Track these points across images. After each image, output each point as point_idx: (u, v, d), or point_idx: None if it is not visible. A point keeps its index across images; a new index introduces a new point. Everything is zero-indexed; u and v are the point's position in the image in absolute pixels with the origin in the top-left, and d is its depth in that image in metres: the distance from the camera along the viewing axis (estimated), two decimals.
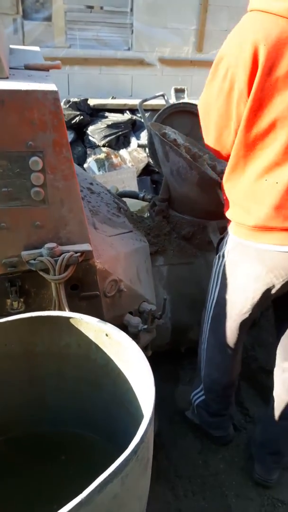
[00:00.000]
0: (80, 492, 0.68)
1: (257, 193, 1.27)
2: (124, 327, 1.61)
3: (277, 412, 1.59)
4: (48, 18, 4.68)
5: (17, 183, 1.18)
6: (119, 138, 4.23)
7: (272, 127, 1.19)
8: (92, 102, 4.38)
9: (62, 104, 2.01)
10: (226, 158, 1.38)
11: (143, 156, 4.13)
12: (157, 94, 2.63)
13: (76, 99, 4.25)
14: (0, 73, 1.17)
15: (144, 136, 4.19)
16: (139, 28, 4.88)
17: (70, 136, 4.09)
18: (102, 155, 3.99)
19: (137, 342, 1.05)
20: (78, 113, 4.17)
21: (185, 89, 3.82)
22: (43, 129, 1.14)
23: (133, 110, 4.41)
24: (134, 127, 4.38)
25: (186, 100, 3.51)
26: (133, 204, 2.67)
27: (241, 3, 5.50)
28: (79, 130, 4.26)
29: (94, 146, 4.15)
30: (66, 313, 1.14)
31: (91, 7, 4.80)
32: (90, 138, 4.18)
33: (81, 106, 4.26)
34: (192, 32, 4.97)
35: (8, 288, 1.29)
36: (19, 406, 1.22)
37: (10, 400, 1.19)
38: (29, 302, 1.35)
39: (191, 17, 4.91)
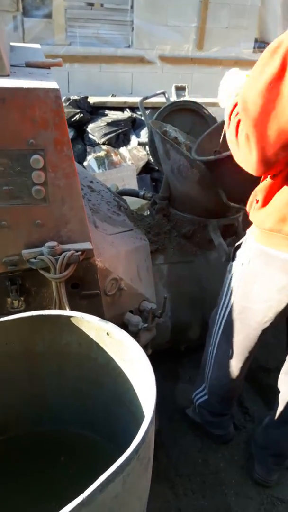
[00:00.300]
0: (80, 491, 0.68)
1: None
2: (124, 325, 1.61)
3: (282, 416, 1.59)
4: (48, 15, 4.66)
5: (18, 181, 1.17)
6: (119, 136, 4.22)
7: None
8: (92, 99, 4.37)
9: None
10: (271, 160, 1.11)
11: (143, 154, 4.12)
12: (157, 92, 2.62)
13: (76, 97, 4.24)
14: (1, 70, 1.17)
15: (144, 134, 4.18)
16: (139, 25, 4.86)
17: (70, 134, 4.07)
18: (102, 153, 3.98)
19: (138, 341, 1.05)
20: (78, 111, 4.16)
21: (186, 87, 3.81)
22: (45, 127, 1.13)
23: (133, 108, 4.40)
24: (134, 125, 4.37)
25: (187, 98, 3.49)
26: (133, 202, 2.67)
27: (242, 1, 5.48)
28: (79, 128, 4.25)
29: (94, 144, 4.14)
30: (67, 312, 1.14)
31: (91, 4, 4.79)
32: (90, 136, 4.18)
33: (81, 103, 4.25)
34: (193, 30, 4.96)
35: (9, 286, 1.29)
36: (19, 405, 1.22)
37: (10, 399, 1.19)
38: (30, 301, 1.35)
39: (191, 14, 4.89)
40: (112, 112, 4.36)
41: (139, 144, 3.98)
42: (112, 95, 4.65)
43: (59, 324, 1.12)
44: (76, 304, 1.36)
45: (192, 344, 2.13)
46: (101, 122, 4.19)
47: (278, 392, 1.60)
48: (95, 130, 4.16)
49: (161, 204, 2.11)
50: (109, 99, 4.52)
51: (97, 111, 4.37)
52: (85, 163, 3.99)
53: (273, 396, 1.64)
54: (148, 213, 2.28)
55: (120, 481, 0.73)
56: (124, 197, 2.30)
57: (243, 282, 1.41)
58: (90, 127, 4.20)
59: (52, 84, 1.13)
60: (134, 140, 4.22)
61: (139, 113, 4.31)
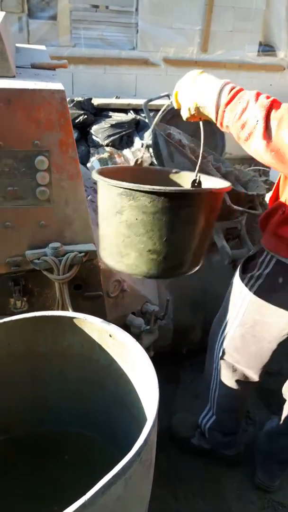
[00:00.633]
0: (82, 493, 0.67)
1: None
2: (126, 327, 1.61)
3: None
4: (53, 17, 4.67)
5: (23, 182, 1.18)
6: (123, 138, 4.22)
7: None
8: (96, 101, 4.38)
9: None
10: None
11: (146, 156, 4.12)
12: (162, 94, 2.62)
13: (80, 98, 4.25)
14: (7, 71, 1.17)
15: (147, 136, 4.19)
16: (144, 28, 4.87)
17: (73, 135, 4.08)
18: (106, 155, 3.99)
19: (140, 343, 1.04)
20: (82, 112, 4.17)
21: None
22: (50, 128, 1.14)
23: (137, 110, 4.40)
24: (137, 127, 4.37)
25: None
26: None
27: (246, 4, 5.46)
28: (83, 130, 4.26)
29: (97, 146, 4.15)
30: (70, 313, 1.14)
31: (96, 7, 4.79)
32: (94, 137, 4.18)
33: (85, 105, 4.26)
34: (197, 33, 4.96)
35: (12, 287, 1.29)
36: (21, 406, 1.22)
37: (12, 400, 1.19)
38: (32, 302, 1.35)
39: (196, 17, 4.89)
40: (116, 114, 4.36)
41: (146, 146, 3.98)
42: (116, 97, 4.66)
43: (61, 325, 1.12)
44: (79, 305, 1.36)
45: (194, 346, 2.13)
46: (105, 124, 4.20)
47: (284, 401, 1.56)
48: (99, 131, 4.17)
49: None
50: (113, 101, 4.53)
51: (101, 112, 4.38)
52: (88, 165, 3.99)
53: (274, 399, 1.64)
54: None
55: (122, 484, 0.73)
56: None
57: (257, 296, 1.35)
58: (94, 128, 4.20)
59: (57, 86, 1.13)
60: (137, 142, 4.22)
61: (143, 115, 4.31)
